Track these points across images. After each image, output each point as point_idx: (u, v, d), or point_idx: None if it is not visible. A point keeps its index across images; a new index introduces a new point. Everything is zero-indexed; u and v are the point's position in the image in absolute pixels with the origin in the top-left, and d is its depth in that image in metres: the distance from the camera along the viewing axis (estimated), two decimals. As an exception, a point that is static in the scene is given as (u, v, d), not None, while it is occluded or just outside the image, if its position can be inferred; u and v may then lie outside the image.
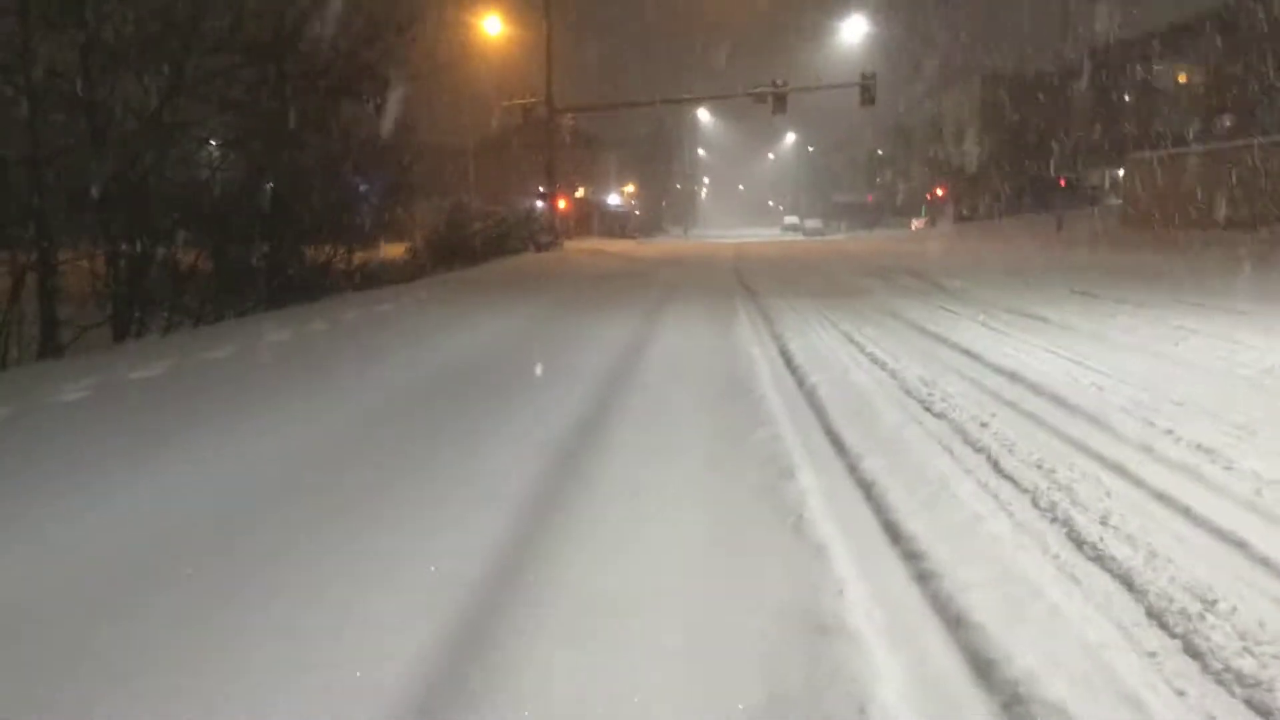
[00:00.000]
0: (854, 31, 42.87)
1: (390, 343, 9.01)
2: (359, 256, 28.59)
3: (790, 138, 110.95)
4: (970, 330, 8.92)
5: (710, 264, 23.80)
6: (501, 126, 53.97)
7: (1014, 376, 6.45)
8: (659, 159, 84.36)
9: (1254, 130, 38.63)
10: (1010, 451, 4.55)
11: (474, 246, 26.47)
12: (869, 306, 11.58)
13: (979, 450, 4.61)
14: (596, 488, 4.19)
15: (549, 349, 8.57)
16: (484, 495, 4.11)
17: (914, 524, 3.55)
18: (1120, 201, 48.16)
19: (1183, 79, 46.64)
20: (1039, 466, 4.27)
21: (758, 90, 32.81)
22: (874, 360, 7.49)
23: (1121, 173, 52.57)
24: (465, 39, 37.78)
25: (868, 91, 32.88)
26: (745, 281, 16.49)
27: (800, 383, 6.62)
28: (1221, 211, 22.91)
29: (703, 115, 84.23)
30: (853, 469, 4.37)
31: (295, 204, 20.88)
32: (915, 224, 62.94)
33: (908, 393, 6.09)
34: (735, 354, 8.08)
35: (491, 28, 37.23)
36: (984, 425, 5.08)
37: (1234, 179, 23.05)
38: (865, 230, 65.88)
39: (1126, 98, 49.74)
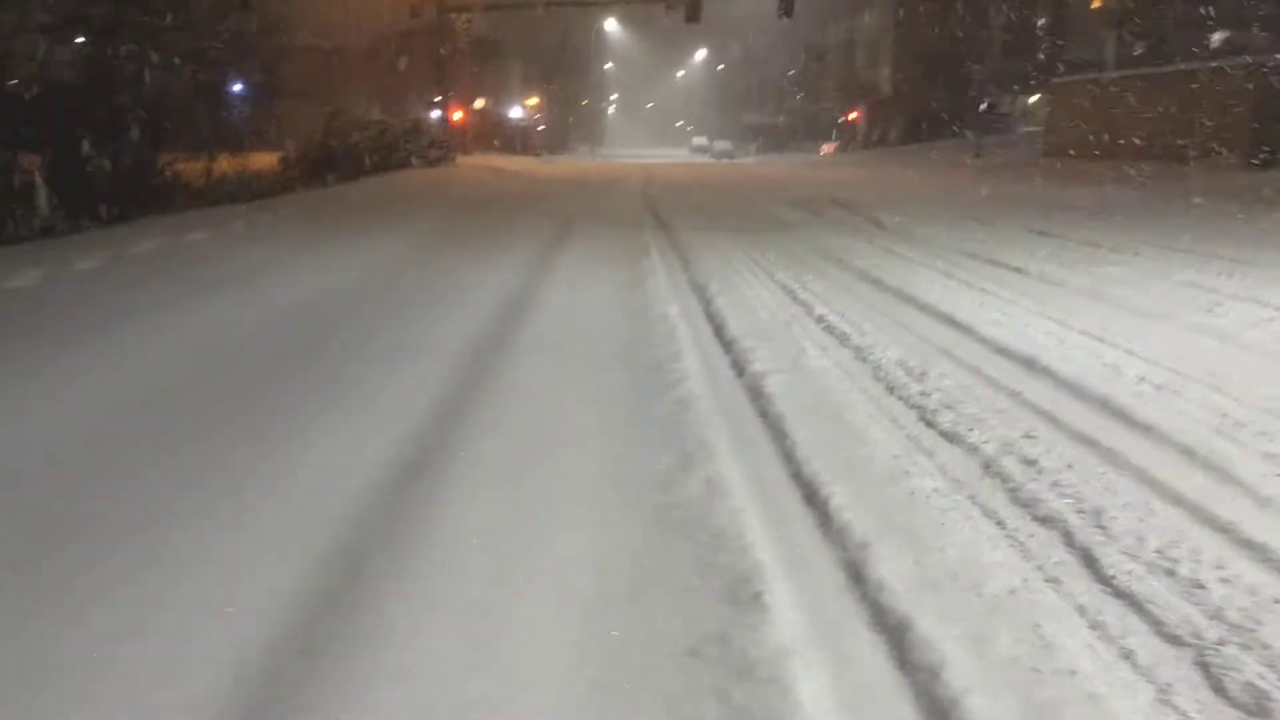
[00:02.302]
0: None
1: (180, 293, 6.79)
2: (224, 166, 25.55)
3: (701, 54, 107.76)
4: (936, 284, 7.23)
5: (617, 187, 21.69)
6: (393, 28, 49.91)
7: (1028, 364, 4.75)
8: (566, 71, 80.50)
9: (1163, 58, 38.11)
10: (1105, 533, 2.82)
11: (354, 159, 23.69)
12: (804, 247, 9.82)
13: (1046, 521, 2.88)
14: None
15: (394, 310, 6.49)
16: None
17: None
18: (1035, 129, 47.57)
19: (1096, 3, 45.80)
20: (1194, 589, 2.52)
21: (670, -5, 30.33)
22: (831, 331, 5.71)
23: (1034, 100, 52.00)
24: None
25: (786, 1, 30.80)
26: (657, 210, 14.54)
27: (740, 370, 4.80)
28: (1152, 141, 21.85)
29: (611, 27, 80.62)
30: (868, 599, 2.54)
31: (139, 104, 17.91)
32: (825, 148, 61.51)
33: (893, 392, 4.34)
34: (648, 318, 6.20)
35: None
36: (1031, 464, 3.35)
37: (1164, 107, 21.97)
38: (776, 153, 64.22)
39: (1039, 23, 48.77)
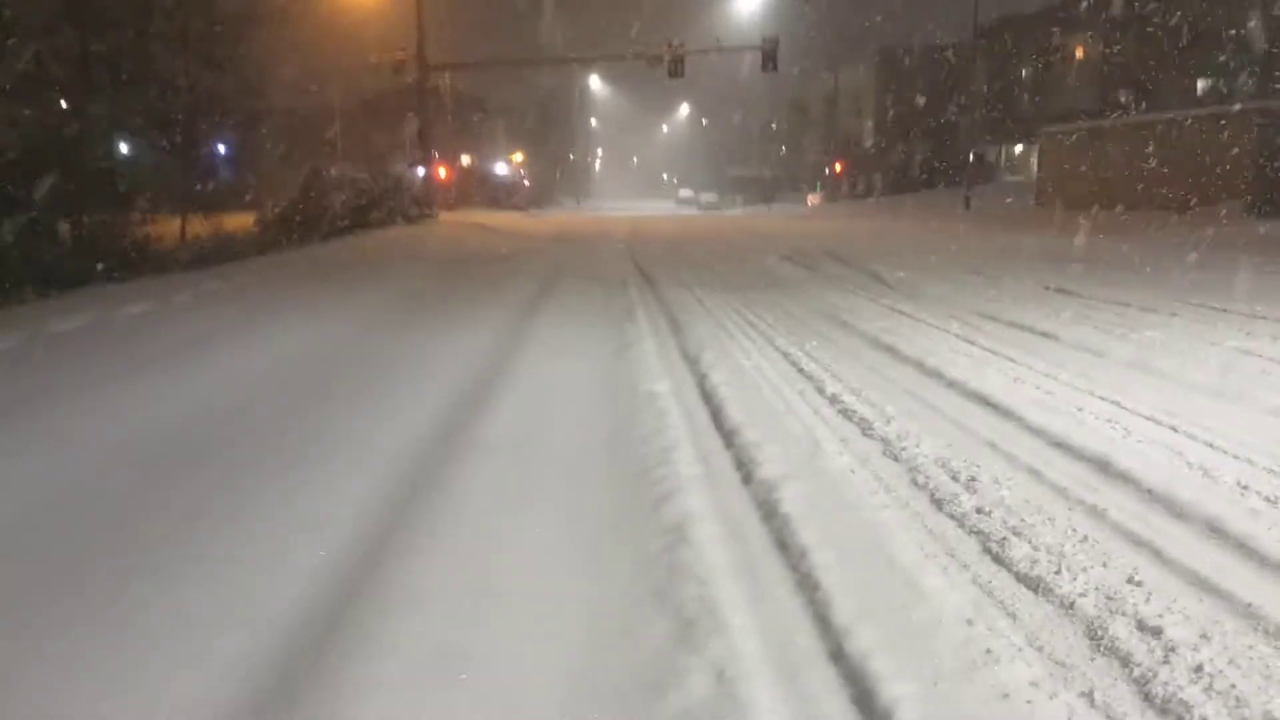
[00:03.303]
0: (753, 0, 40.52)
1: (101, 375, 5.87)
2: (198, 228, 24.76)
3: (684, 110, 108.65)
4: (958, 353, 6.40)
5: (602, 242, 20.98)
6: (377, 88, 49.68)
7: (1099, 466, 3.89)
8: (551, 127, 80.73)
9: (1151, 106, 38.04)
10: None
11: (333, 218, 22.95)
12: (802, 306, 9.01)
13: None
14: None
15: (340, 391, 5.59)
16: None
17: None
18: (1020, 180, 47.45)
19: (1080, 54, 45.99)
20: None
21: (654, 52, 30.02)
22: (849, 415, 4.85)
23: (1018, 149, 52.06)
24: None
25: (770, 56, 30.54)
26: (643, 266, 13.75)
27: (746, 475, 3.91)
28: (1148, 190, 21.34)
29: (595, 84, 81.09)
30: None
31: (93, 168, 17.14)
32: (811, 199, 61.42)
33: (941, 508, 3.46)
34: (635, 398, 5.33)
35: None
36: (1154, 634, 2.47)
37: (1160, 155, 21.51)
38: (763, 205, 64.07)
39: (1024, 73, 48.95)
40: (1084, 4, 42.96)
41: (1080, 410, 4.85)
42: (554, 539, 3.27)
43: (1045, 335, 7.01)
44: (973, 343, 6.79)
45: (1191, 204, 19.97)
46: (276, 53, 27.93)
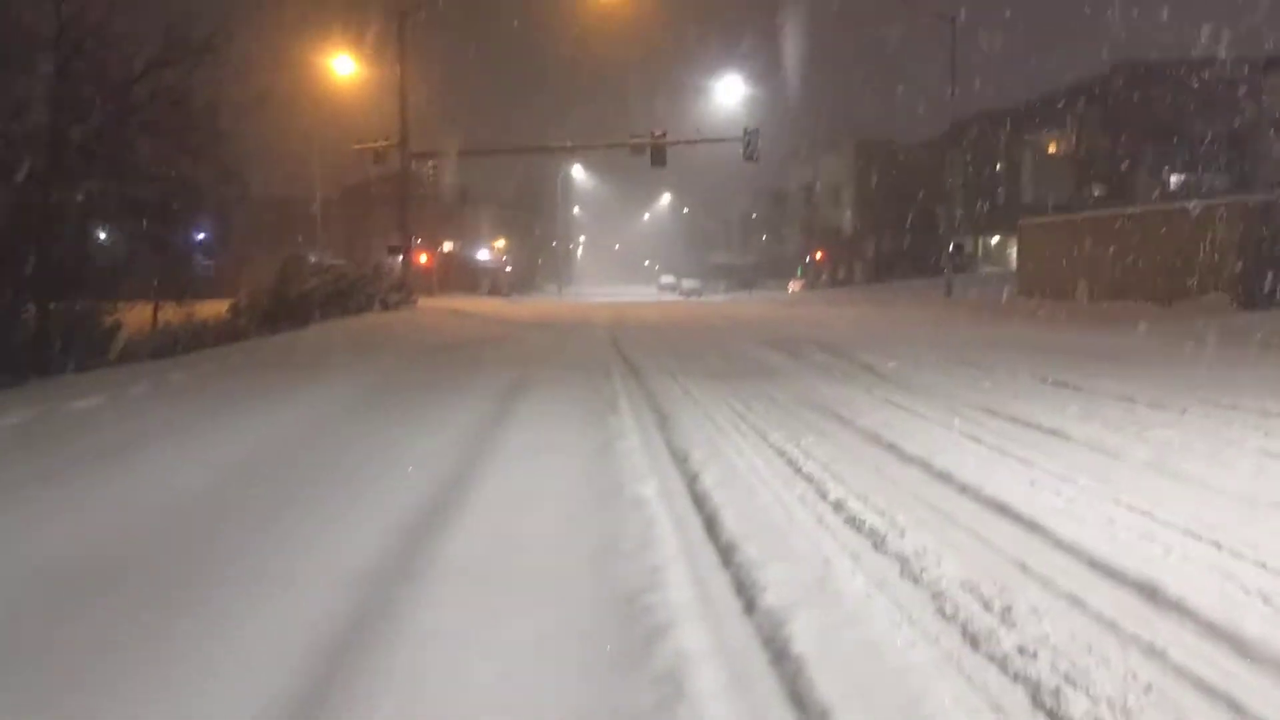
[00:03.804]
0: (732, 93, 41.32)
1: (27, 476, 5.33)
2: (171, 315, 24.30)
3: (666, 198, 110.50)
4: (966, 452, 5.99)
5: (584, 329, 20.68)
6: (360, 176, 50.03)
7: (1146, 592, 3.44)
8: (534, 214, 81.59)
9: (1124, 199, 38.75)
10: None
11: (308, 305, 22.58)
12: (793, 398, 8.61)
13: None
14: None
15: (281, 502, 5.04)
16: None
17: None
18: (997, 270, 47.97)
19: (1053, 149, 47.09)
20: None
21: (637, 140, 30.35)
22: (857, 526, 4.39)
23: (995, 240, 52.86)
24: (313, 80, 34.03)
25: (750, 146, 30.96)
26: (626, 354, 13.38)
27: (748, 603, 3.42)
28: (1130, 281, 21.35)
29: (578, 173, 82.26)
30: None
31: (61, 253, 16.75)
32: (793, 286, 61.91)
33: (978, 647, 2.99)
34: (618, 504, 4.85)
35: (343, 69, 33.60)
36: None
37: (1142, 247, 21.59)
38: (744, 292, 64.48)
39: (998, 166, 50.01)
40: (1057, 101, 44.18)
41: (1110, 522, 4.42)
42: (526, 695, 2.75)
43: (1054, 433, 6.61)
44: (979, 440, 6.38)
45: (1175, 296, 19.94)
46: (258, 139, 28.01)
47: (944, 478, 5.31)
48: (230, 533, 4.44)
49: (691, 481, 5.36)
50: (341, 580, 3.72)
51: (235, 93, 18.16)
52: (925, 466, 5.60)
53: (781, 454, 6.12)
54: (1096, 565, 3.78)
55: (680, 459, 6.00)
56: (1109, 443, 6.22)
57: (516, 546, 4.16)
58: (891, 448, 6.19)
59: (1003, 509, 4.66)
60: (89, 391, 8.20)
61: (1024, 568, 3.78)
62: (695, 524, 4.53)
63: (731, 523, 4.43)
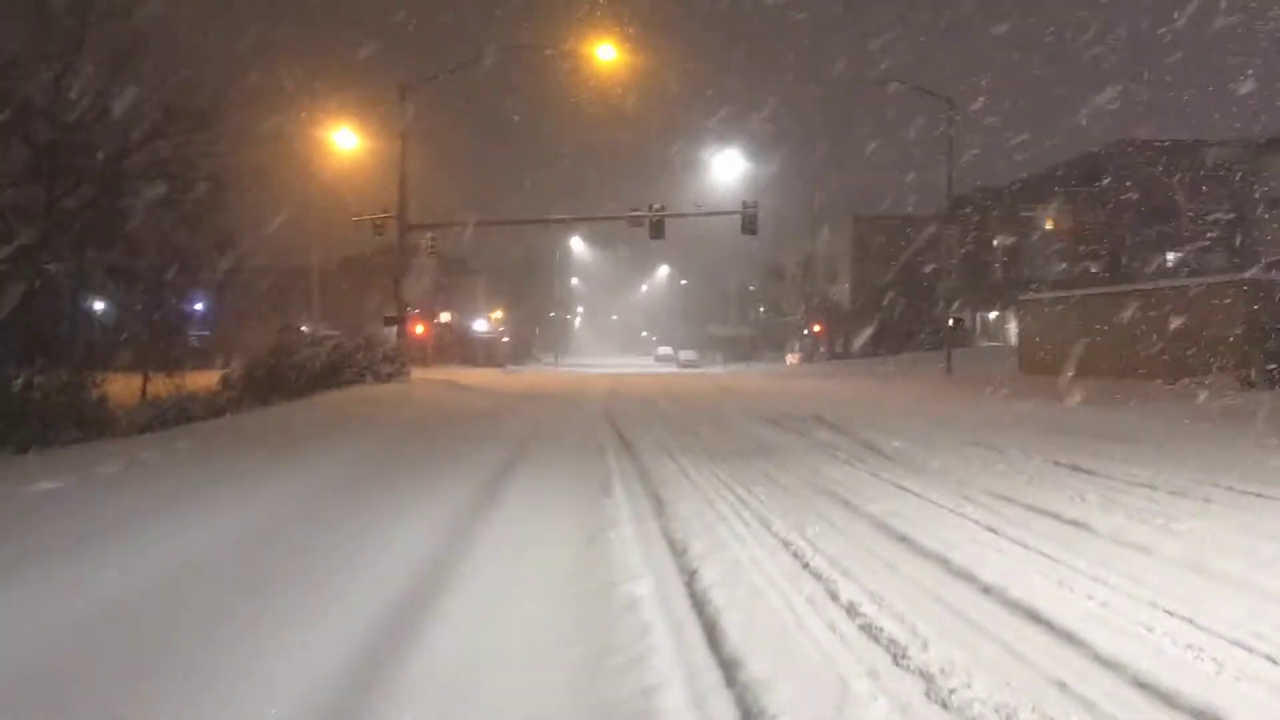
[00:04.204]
0: (731, 167, 41.74)
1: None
2: (160, 387, 23.91)
3: (664, 270, 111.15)
4: (985, 547, 5.58)
5: (579, 401, 20.32)
6: (358, 246, 50.19)
7: (1214, 723, 3.03)
8: (531, 285, 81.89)
9: (1121, 276, 38.80)
10: None
11: (299, 378, 22.20)
12: (797, 480, 8.21)
13: None
14: None
15: (230, 611, 4.52)
16: None
17: None
18: (996, 345, 47.85)
19: (1050, 225, 47.38)
20: None
21: (635, 213, 30.40)
22: (874, 635, 3.98)
23: (994, 315, 52.88)
24: (313, 152, 34.30)
25: (749, 220, 31.00)
26: (621, 430, 12.99)
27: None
28: (1135, 359, 21.09)
29: (576, 244, 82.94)
30: None
31: (47, 325, 16.46)
32: (791, 358, 61.75)
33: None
34: (609, 607, 4.43)
35: (344, 142, 33.88)
36: None
37: (1145, 324, 21.39)
38: (742, 364, 64.30)
39: (995, 241, 50.29)
40: (1054, 177, 44.62)
41: (1150, 631, 4.01)
42: None
43: (1076, 524, 6.21)
44: (997, 532, 5.97)
45: (1180, 374, 19.66)
46: (254, 210, 28.00)
47: (965, 576, 4.90)
48: (187, 650, 3.99)
49: (690, 579, 4.95)
50: (294, 696, 3.29)
51: (232, 164, 18.13)
52: (943, 563, 5.19)
53: (787, 546, 5.71)
54: (1144, 686, 3.36)
55: (678, 551, 5.59)
56: (1136, 536, 5.81)
57: (490, 664, 3.72)
58: (904, 540, 5.78)
59: (1032, 615, 4.24)
60: (57, 471, 7.79)
61: (1063, 687, 3.36)
62: (695, 632, 4.11)
63: (735, 630, 4.01)
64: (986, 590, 4.64)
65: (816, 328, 58.87)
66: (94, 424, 18.77)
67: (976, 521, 6.31)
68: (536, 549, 5.63)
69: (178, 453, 9.56)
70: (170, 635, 4.08)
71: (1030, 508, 6.76)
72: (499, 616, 4.32)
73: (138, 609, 4.40)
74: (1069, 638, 3.93)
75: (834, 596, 4.59)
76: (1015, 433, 11.89)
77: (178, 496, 6.91)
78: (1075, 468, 8.77)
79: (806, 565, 5.22)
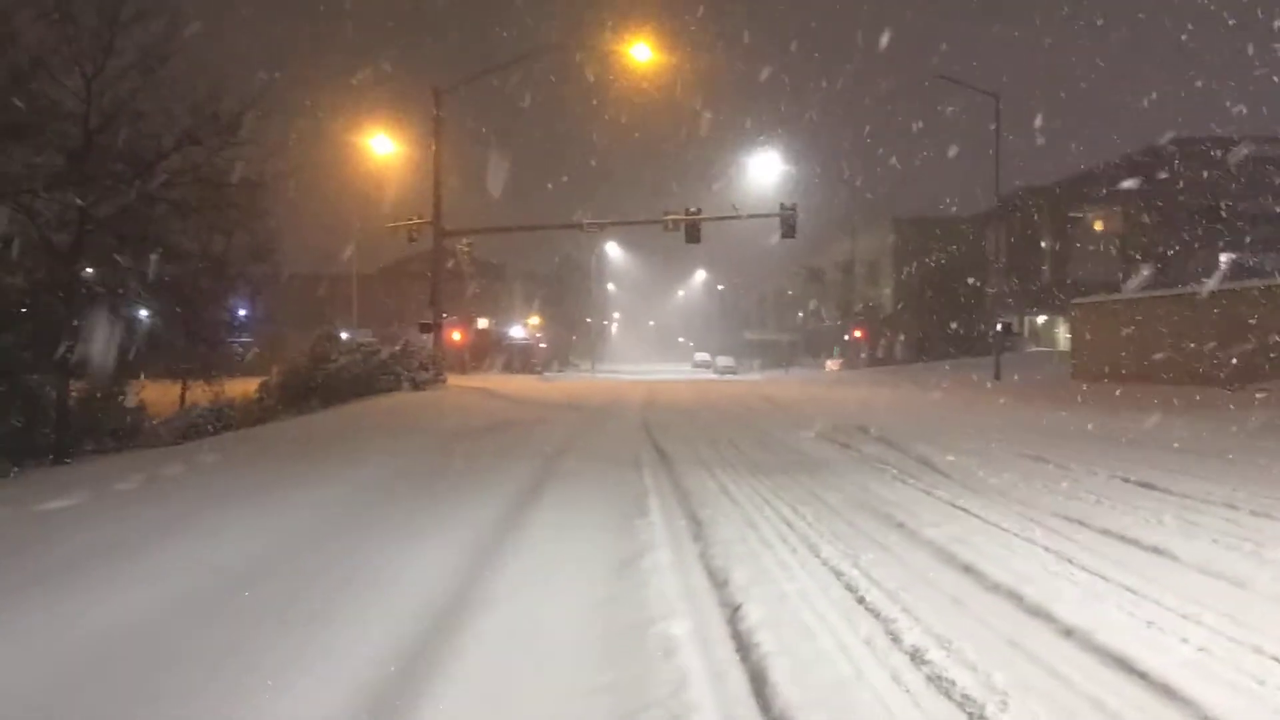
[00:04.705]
0: (769, 169, 41.12)
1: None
2: (199, 395, 23.91)
3: (700, 275, 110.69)
4: (1056, 577, 5.05)
5: (616, 409, 19.90)
6: (398, 252, 50.36)
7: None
8: (568, 292, 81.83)
9: (1173, 279, 37.58)
10: None
11: (336, 385, 22.06)
12: (846, 500, 7.70)
13: None
14: None
15: (221, 658, 4.16)
16: None
17: None
18: (1045, 350, 46.68)
19: (1099, 226, 46.17)
20: None
21: (671, 217, 29.95)
22: (944, 689, 3.50)
23: (1041, 319, 51.64)
24: (352, 158, 34.34)
25: (788, 223, 30.38)
26: (658, 442, 12.54)
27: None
28: (1194, 364, 20.22)
29: (612, 250, 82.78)
30: None
31: (86, 334, 16.37)
32: (831, 365, 60.88)
33: None
34: (642, 649, 3.98)
35: (381, 147, 33.88)
36: None
37: (1204, 328, 20.50)
38: (780, 370, 63.57)
39: (1042, 243, 49.12)
40: (1104, 178, 43.43)
41: (1261, 684, 3.50)
42: None
43: (1157, 552, 5.64)
44: (1070, 561, 5.43)
45: (1243, 380, 18.78)
46: (294, 217, 27.95)
47: (1041, 615, 4.38)
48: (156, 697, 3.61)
49: (733, 616, 4.48)
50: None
51: (266, 170, 17.96)
52: (1015, 599, 4.67)
53: (839, 576, 5.22)
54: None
55: (719, 582, 5.12)
56: (1226, 566, 5.24)
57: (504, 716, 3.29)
58: (969, 571, 5.26)
59: (1123, 663, 3.72)
60: (74, 488, 7.52)
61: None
62: (740, 683, 3.64)
63: (785, 682, 3.54)
64: (1068, 633, 4.12)
65: (857, 333, 57.95)
66: (130, 433, 18.74)
67: (1047, 548, 5.77)
68: (564, 579, 5.19)
69: (203, 467, 9.28)
70: (158, 675, 3.71)
71: (1104, 532, 6.20)
72: (515, 665, 3.88)
73: (159, 625, 4.04)
74: (1169, 693, 3.42)
75: (896, 640, 4.10)
76: (1074, 445, 11.25)
77: (195, 513, 6.60)
78: (1144, 484, 8.16)
79: (862, 600, 4.74)
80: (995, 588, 4.89)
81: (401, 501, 7.57)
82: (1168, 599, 4.62)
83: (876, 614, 4.49)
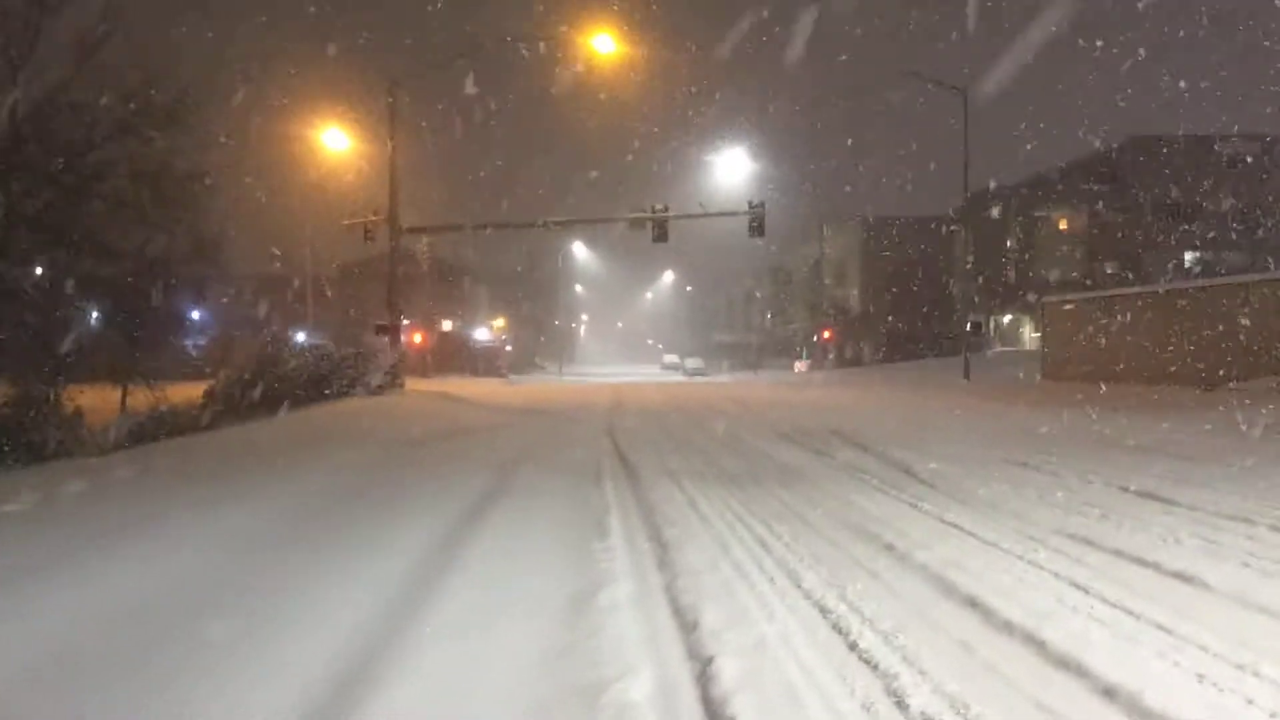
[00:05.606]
0: (736, 168, 40.51)
1: None
2: (139, 400, 22.74)
3: (669, 277, 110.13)
4: (1076, 612, 4.36)
5: (580, 415, 19.08)
6: (357, 253, 49.05)
7: None
8: (534, 293, 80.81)
9: (1139, 277, 37.49)
10: None
11: (284, 391, 21.03)
12: (826, 516, 6.99)
13: None
14: None
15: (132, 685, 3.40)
16: None
17: None
18: (1007, 348, 46.57)
19: (1064, 225, 46.11)
20: None
21: (638, 215, 29.21)
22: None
23: (1007, 318, 51.57)
24: (304, 154, 33.16)
25: (756, 221, 29.76)
26: (623, 450, 11.77)
27: None
28: (1168, 363, 19.82)
29: (579, 250, 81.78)
30: None
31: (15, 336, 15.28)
32: (799, 366, 60.46)
33: None
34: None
35: (334, 143, 32.71)
36: None
37: (1178, 327, 20.13)
38: (749, 372, 63.06)
39: (1008, 243, 49.02)
40: (1068, 176, 43.35)
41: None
42: None
43: (1183, 578, 4.97)
44: (1087, 591, 4.74)
45: (1217, 379, 18.39)
46: (237, 214, 26.79)
47: (1072, 668, 3.67)
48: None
49: (703, 672, 3.73)
50: None
51: (205, 161, 16.91)
52: (1035, 643, 3.96)
53: (825, 613, 4.49)
54: None
55: (687, 625, 4.37)
56: (1266, 597, 4.58)
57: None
58: (974, 605, 4.55)
59: (1186, 739, 3.02)
60: (8, 496, 6.63)
61: None
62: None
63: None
64: (1109, 693, 3.41)
65: (826, 334, 57.57)
66: (63, 442, 17.60)
67: (1057, 574, 5.07)
68: (506, 623, 4.40)
69: (142, 473, 8.39)
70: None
71: (1118, 554, 5.53)
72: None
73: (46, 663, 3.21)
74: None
75: (901, 703, 3.37)
76: (1060, 450, 10.64)
77: (124, 528, 5.75)
78: (1147, 494, 7.53)
79: (855, 647, 4.00)
80: (1008, 628, 4.19)
81: (328, 528, 6.73)
82: (1212, 642, 3.93)
83: (873, 665, 3.77)
